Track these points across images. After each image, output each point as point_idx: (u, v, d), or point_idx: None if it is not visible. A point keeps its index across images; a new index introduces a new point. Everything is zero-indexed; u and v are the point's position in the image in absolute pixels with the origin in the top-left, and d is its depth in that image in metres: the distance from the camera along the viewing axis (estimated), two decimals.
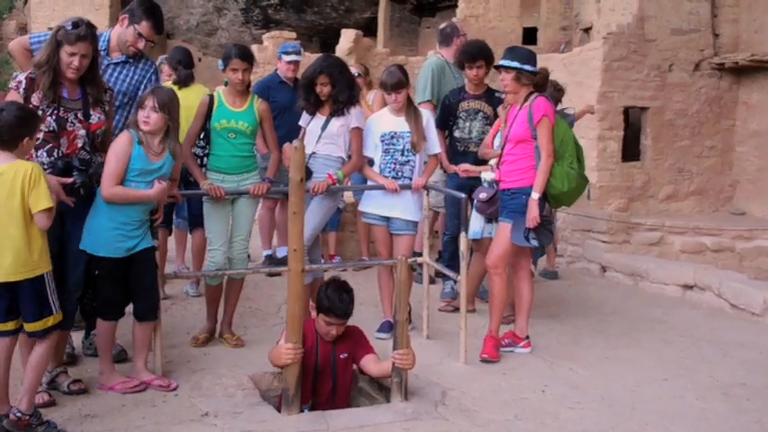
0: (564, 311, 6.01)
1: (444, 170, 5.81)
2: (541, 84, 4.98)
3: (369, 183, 5.17)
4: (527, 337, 4.92)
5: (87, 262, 3.95)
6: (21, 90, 3.76)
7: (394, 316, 4.07)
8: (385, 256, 5.07)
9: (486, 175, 5.19)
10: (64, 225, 3.83)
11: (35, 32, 6.92)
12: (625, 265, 7.68)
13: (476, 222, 5.36)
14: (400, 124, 5.04)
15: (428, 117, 5.21)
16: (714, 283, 6.47)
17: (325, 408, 3.99)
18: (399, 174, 5.03)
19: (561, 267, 7.92)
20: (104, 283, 4.01)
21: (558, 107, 6.54)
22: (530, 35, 14.58)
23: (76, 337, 4.50)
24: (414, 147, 5.02)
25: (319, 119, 4.97)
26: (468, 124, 5.75)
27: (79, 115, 3.87)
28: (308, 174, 4.69)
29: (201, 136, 4.78)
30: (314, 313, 4.04)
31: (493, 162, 5.15)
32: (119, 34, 4.46)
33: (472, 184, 5.43)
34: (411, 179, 5.03)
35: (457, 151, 5.76)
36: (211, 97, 4.83)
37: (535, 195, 4.63)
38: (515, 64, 4.69)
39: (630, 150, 10.91)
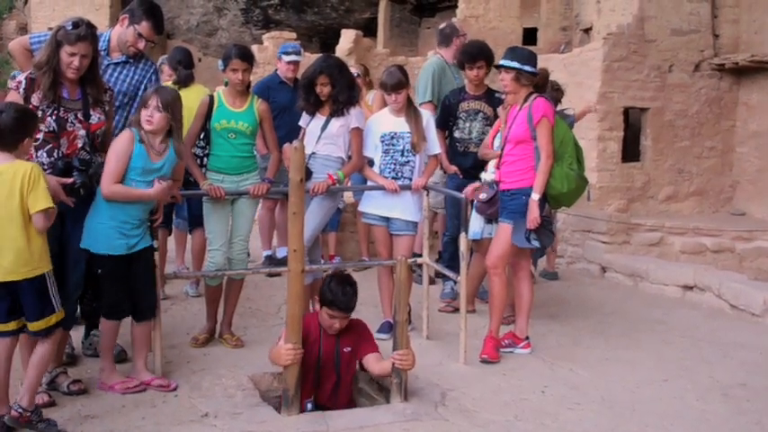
0: (564, 312, 6.01)
1: (444, 170, 5.81)
2: (541, 84, 4.98)
3: (369, 183, 5.17)
4: (527, 338, 4.92)
5: (88, 262, 3.95)
6: (21, 90, 3.76)
7: (394, 316, 4.07)
8: (385, 257, 5.07)
9: (486, 175, 5.19)
10: (64, 225, 3.83)
11: (35, 32, 6.91)
12: (625, 265, 7.68)
13: (476, 223, 5.35)
14: (400, 125, 5.04)
15: (428, 117, 5.21)
16: (714, 284, 6.47)
17: (328, 401, 4.00)
18: (399, 174, 5.03)
19: (561, 268, 7.93)
20: (108, 283, 4.00)
21: (558, 108, 6.53)
22: (530, 35, 14.57)
23: (76, 338, 4.50)
24: (414, 147, 5.02)
25: (319, 119, 4.96)
26: (468, 125, 5.75)
27: (79, 115, 3.87)
28: (308, 174, 4.69)
29: (201, 136, 4.78)
30: (317, 306, 4.04)
31: (492, 164, 5.15)
32: (119, 34, 4.45)
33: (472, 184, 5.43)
34: (411, 180, 5.03)
35: (457, 152, 5.76)
36: (211, 97, 4.83)
37: (535, 196, 4.63)
38: (515, 64, 4.69)
39: (630, 151, 10.91)
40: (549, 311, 5.91)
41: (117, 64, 4.47)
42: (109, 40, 4.47)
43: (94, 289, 4.16)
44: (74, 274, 3.90)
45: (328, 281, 4.01)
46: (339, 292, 3.91)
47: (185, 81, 5.83)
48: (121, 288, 4.03)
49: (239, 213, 4.79)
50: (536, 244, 4.74)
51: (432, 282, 5.57)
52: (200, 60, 17.64)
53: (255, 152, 5.02)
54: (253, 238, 5.22)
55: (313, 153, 4.89)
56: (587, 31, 13.52)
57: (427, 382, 4.22)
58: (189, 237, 6.22)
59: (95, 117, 3.93)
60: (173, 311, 5.51)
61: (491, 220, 5.22)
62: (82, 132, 3.87)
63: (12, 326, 3.46)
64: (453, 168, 5.70)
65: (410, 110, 5.07)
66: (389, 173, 5.03)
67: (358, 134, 4.98)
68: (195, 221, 5.74)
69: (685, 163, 11.06)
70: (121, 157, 3.89)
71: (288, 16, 18.43)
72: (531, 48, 5.76)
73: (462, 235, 4.57)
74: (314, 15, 18.40)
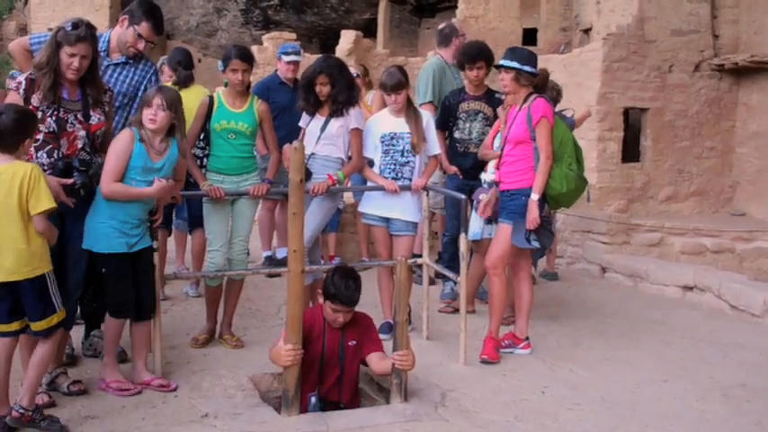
0: (564, 313, 6.01)
1: (444, 171, 5.81)
2: (541, 85, 4.98)
3: (368, 184, 5.17)
4: (527, 339, 4.92)
5: (88, 262, 3.95)
6: (21, 91, 3.77)
7: (394, 317, 4.07)
8: (385, 257, 5.07)
9: (486, 176, 5.19)
10: (64, 225, 3.83)
11: (35, 33, 6.91)
12: (625, 266, 7.68)
13: (475, 223, 5.35)
14: (400, 125, 5.04)
15: (428, 118, 5.21)
16: (714, 285, 6.47)
17: (332, 394, 3.99)
18: (399, 175, 5.03)
19: (561, 268, 7.93)
20: (113, 281, 3.98)
21: (557, 108, 6.53)
22: (530, 36, 14.57)
23: (76, 338, 4.49)
24: (414, 148, 5.02)
25: (319, 119, 4.96)
26: (468, 125, 5.75)
27: (79, 116, 3.87)
28: (308, 175, 4.69)
29: (201, 137, 4.78)
30: (320, 300, 4.03)
31: (492, 164, 5.15)
32: (119, 35, 4.45)
33: (472, 185, 5.44)
34: (411, 180, 5.02)
35: (457, 152, 5.76)
36: (211, 98, 4.83)
37: (534, 196, 4.63)
38: (515, 64, 4.69)
39: (630, 151, 10.91)
40: (549, 312, 5.91)
41: (117, 65, 4.47)
42: (109, 41, 4.47)
43: (94, 289, 4.17)
44: (74, 274, 3.90)
45: (332, 274, 3.99)
46: (342, 285, 3.90)
47: (185, 82, 5.84)
48: (127, 286, 4.02)
49: (239, 214, 4.79)
50: (536, 244, 4.74)
51: (432, 282, 5.57)
52: (199, 61, 17.63)
53: (255, 153, 5.02)
54: (253, 238, 5.22)
55: (313, 153, 4.89)
56: (587, 31, 13.52)
57: (427, 383, 4.22)
58: (189, 237, 6.22)
59: (95, 118, 3.93)
60: (173, 312, 5.51)
61: (491, 220, 5.22)
62: (82, 133, 3.87)
63: (14, 326, 3.47)
64: (453, 169, 5.70)
65: (410, 110, 5.07)
66: (389, 173, 5.03)
67: (358, 134, 4.98)
68: (195, 222, 5.74)
69: (685, 163, 11.06)
70: (121, 156, 3.89)
71: (287, 17, 18.44)
72: (530, 48, 5.76)
73: (462, 235, 4.57)
74: (314, 16, 18.40)
